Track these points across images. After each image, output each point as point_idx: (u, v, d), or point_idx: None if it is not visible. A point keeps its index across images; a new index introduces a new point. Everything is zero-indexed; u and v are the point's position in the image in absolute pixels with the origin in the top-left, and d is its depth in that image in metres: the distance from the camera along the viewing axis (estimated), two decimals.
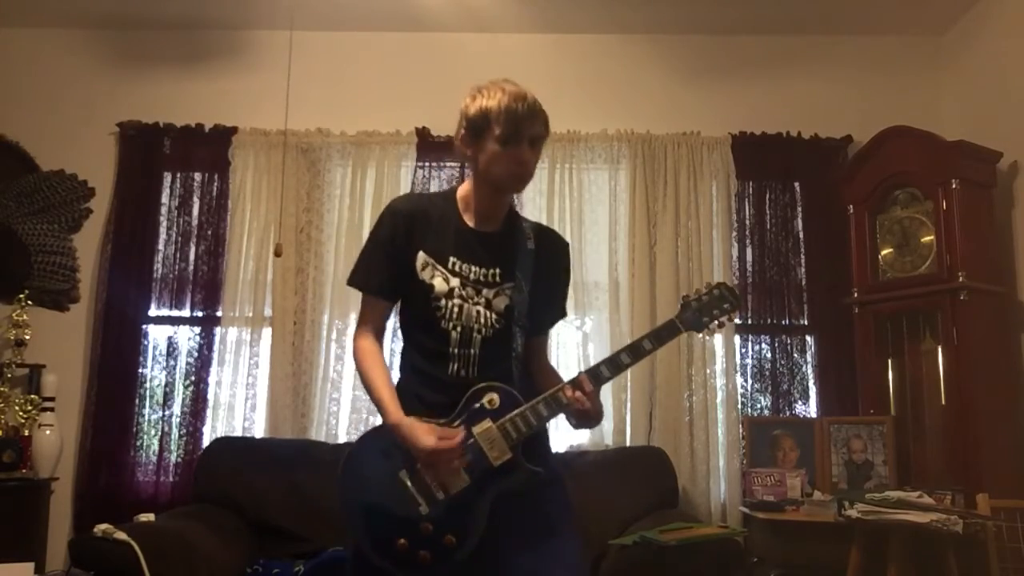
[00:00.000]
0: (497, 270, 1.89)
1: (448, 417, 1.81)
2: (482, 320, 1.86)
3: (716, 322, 1.92)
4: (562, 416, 1.85)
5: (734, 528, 3.23)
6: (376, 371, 1.87)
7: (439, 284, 1.86)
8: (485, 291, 1.87)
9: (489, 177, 1.88)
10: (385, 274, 1.91)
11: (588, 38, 4.11)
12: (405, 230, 1.90)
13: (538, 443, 1.89)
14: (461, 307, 1.85)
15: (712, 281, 1.97)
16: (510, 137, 1.82)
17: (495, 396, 1.81)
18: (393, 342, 3.40)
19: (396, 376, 1.93)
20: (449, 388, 1.83)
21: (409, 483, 1.79)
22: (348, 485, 1.84)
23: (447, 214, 1.93)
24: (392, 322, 2.03)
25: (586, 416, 1.82)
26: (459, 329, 1.85)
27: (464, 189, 1.96)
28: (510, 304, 1.88)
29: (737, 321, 3.84)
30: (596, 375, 1.83)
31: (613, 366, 1.84)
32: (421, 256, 1.88)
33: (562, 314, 2.08)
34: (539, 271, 1.94)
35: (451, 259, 1.88)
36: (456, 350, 1.84)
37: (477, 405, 1.81)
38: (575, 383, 1.81)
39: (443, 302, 1.85)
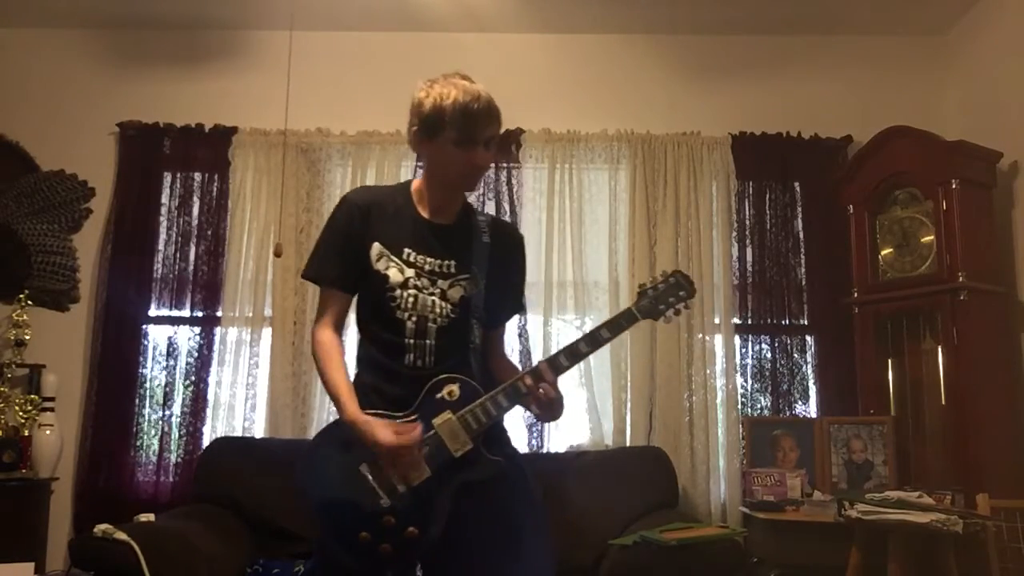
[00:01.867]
0: (452, 262, 1.89)
1: (407, 410, 1.81)
2: (437, 310, 1.85)
3: (672, 310, 1.92)
4: (556, 414, 1.84)
5: (734, 528, 3.23)
6: (333, 366, 1.86)
7: (393, 274, 1.86)
8: (440, 282, 1.87)
9: (442, 176, 1.89)
10: (340, 266, 1.90)
11: (588, 38, 4.11)
12: (360, 221, 1.89)
13: (499, 434, 1.90)
14: (416, 297, 1.85)
15: (668, 270, 1.97)
16: (465, 139, 1.81)
17: (455, 387, 1.81)
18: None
19: (352, 372, 1.92)
20: (406, 380, 1.83)
21: (370, 476, 1.78)
22: (309, 481, 1.83)
23: (402, 206, 1.93)
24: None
25: (548, 407, 1.81)
26: (414, 319, 1.84)
27: (418, 182, 1.96)
28: (465, 295, 1.88)
29: (737, 321, 3.84)
30: (555, 364, 1.82)
31: (572, 355, 1.84)
32: (376, 247, 1.88)
33: (519, 308, 2.08)
34: (494, 264, 1.94)
35: (406, 250, 1.88)
36: (412, 340, 1.84)
37: (437, 396, 1.81)
38: (535, 372, 1.81)
39: (398, 292, 1.85)
